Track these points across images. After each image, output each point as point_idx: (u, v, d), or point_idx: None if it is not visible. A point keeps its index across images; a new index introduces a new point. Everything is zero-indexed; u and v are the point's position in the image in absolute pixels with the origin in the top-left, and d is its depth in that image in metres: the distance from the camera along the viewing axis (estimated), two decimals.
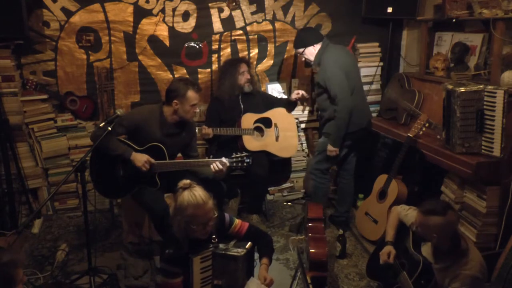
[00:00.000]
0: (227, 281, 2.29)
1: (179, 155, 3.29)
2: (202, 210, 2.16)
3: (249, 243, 2.35)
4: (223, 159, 2.93)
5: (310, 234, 2.84)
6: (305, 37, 3.43)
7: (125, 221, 3.30)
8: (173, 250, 2.23)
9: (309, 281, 2.31)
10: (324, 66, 3.34)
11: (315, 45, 3.40)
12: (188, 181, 2.26)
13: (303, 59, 3.56)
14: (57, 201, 4.00)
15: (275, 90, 4.17)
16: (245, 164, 2.98)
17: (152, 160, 2.92)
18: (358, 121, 3.43)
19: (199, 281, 2.25)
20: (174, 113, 3.01)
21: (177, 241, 2.24)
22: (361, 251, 3.41)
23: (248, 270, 2.37)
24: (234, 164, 2.99)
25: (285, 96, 4.13)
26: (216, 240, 2.29)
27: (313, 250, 2.71)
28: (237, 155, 2.96)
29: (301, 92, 3.74)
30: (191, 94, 2.96)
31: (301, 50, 3.44)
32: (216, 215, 2.25)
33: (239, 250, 2.28)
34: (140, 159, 2.90)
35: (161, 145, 2.97)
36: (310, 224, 2.92)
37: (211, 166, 2.93)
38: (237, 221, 2.44)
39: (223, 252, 2.27)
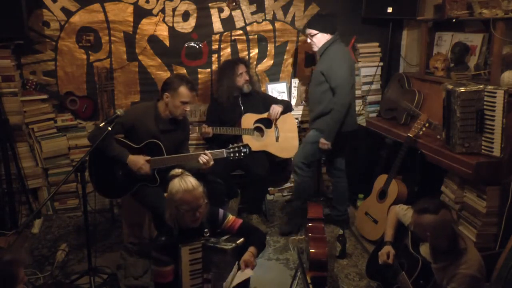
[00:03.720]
0: (215, 274, 2.30)
1: None
2: (191, 195, 2.22)
3: (241, 239, 2.37)
4: (222, 150, 2.97)
5: (310, 234, 2.84)
6: (325, 23, 3.36)
7: (125, 221, 3.29)
8: (164, 238, 2.27)
9: (309, 281, 2.31)
10: (331, 57, 3.31)
11: (329, 34, 3.35)
12: (180, 170, 2.33)
13: (308, 41, 3.45)
14: (57, 201, 3.99)
15: (275, 90, 4.16)
16: (242, 154, 2.99)
17: (147, 168, 2.90)
18: (351, 122, 3.45)
19: (188, 273, 2.27)
20: (166, 108, 3.00)
21: (169, 229, 2.29)
22: (361, 251, 3.41)
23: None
24: (232, 155, 3.00)
25: (285, 97, 4.14)
26: (208, 234, 2.33)
27: (313, 250, 2.70)
28: (233, 146, 3.01)
29: (274, 111, 3.69)
30: (183, 90, 2.94)
31: (314, 32, 3.36)
32: (206, 202, 2.29)
33: (228, 244, 2.30)
34: (137, 162, 2.88)
35: (158, 142, 2.96)
36: (310, 224, 2.91)
37: (199, 158, 2.94)
38: (231, 217, 2.48)
39: (212, 244, 2.29)
